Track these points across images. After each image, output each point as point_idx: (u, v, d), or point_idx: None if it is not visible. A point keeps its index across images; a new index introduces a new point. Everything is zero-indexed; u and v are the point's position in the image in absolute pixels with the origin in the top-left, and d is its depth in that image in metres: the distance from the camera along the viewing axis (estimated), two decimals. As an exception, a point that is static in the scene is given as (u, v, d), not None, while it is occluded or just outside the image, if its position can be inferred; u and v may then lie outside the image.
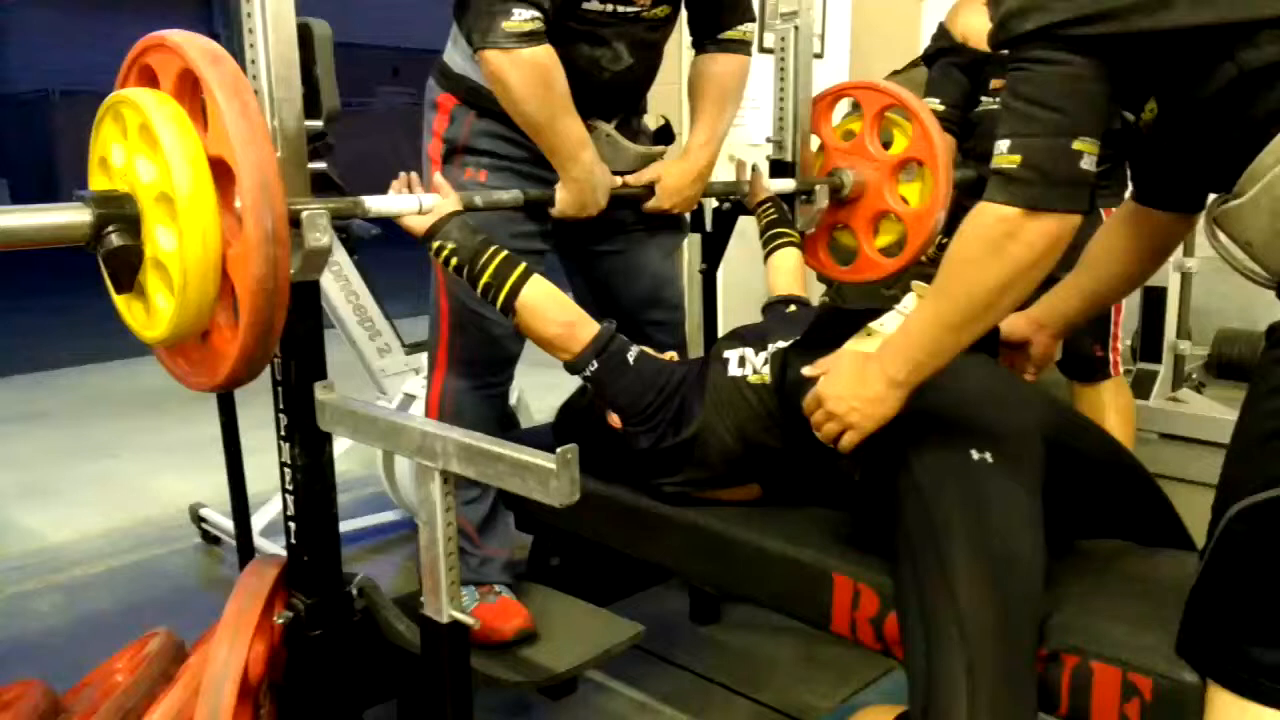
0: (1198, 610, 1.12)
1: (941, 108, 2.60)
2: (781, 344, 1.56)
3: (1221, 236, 1.11)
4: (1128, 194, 1.48)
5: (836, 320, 1.54)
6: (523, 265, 1.60)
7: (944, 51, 2.68)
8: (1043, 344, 1.61)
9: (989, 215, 1.15)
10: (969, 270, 1.19)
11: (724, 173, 2.90)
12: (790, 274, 1.97)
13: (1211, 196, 1.17)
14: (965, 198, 2.51)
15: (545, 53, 1.68)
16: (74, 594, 2.85)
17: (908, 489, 1.31)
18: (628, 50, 1.82)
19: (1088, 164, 1.11)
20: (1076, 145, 1.10)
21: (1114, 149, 1.44)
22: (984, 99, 2.60)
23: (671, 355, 1.71)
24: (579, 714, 2.12)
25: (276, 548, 2.47)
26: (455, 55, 1.87)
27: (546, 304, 1.59)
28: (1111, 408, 2.50)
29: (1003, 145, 1.14)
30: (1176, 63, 1.11)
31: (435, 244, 1.61)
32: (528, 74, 1.67)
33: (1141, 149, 1.40)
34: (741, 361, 1.60)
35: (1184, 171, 1.34)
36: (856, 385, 1.32)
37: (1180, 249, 3.19)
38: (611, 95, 1.88)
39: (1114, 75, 1.11)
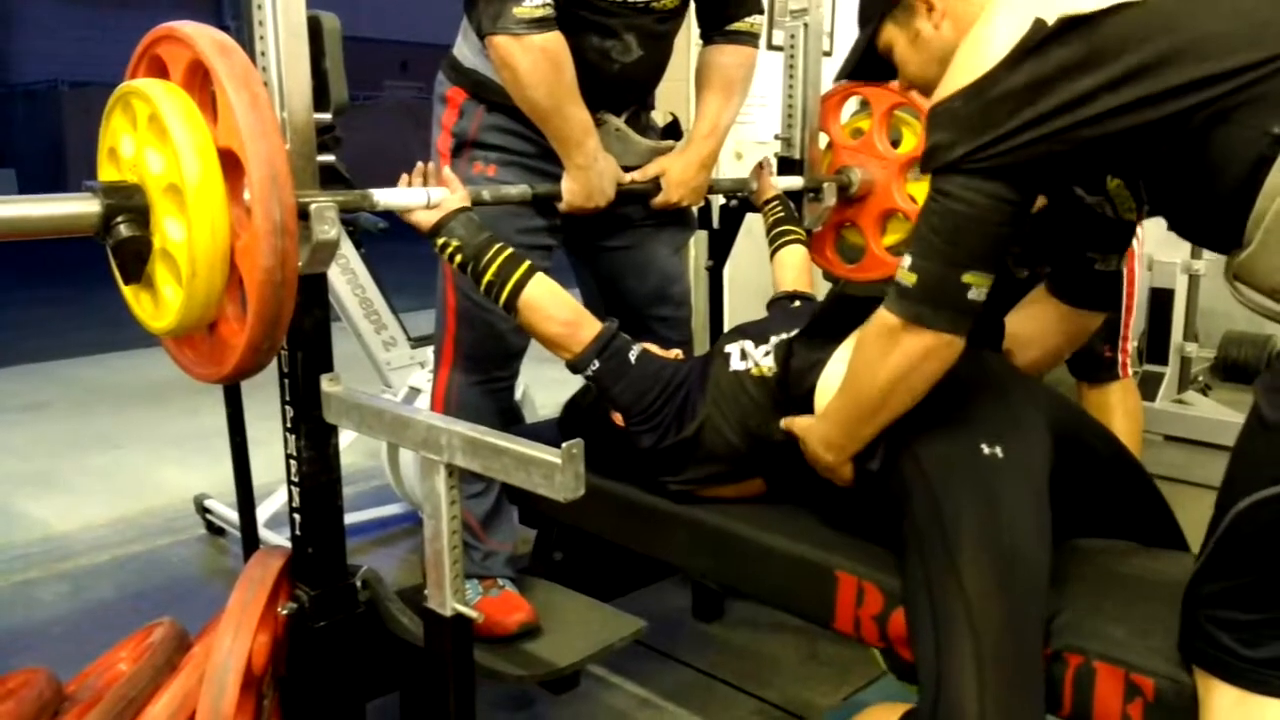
0: (1197, 602, 1.12)
1: None
2: (785, 335, 1.56)
3: (1246, 291, 1.12)
4: (1041, 288, 1.58)
5: (843, 309, 1.54)
6: (526, 263, 1.60)
7: None
8: None
9: (882, 322, 1.26)
10: (863, 369, 1.31)
11: (731, 170, 2.90)
12: (796, 270, 1.96)
13: (1216, 257, 1.21)
14: None
15: (555, 39, 1.68)
16: (78, 583, 2.86)
17: (917, 482, 1.31)
18: (637, 42, 1.83)
19: (975, 295, 1.20)
20: (966, 278, 1.19)
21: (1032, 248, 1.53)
22: None
23: (677, 353, 1.71)
24: (581, 709, 2.12)
25: (281, 539, 2.48)
26: (465, 49, 1.87)
27: (549, 303, 1.59)
28: (1119, 409, 2.48)
29: (905, 261, 1.23)
30: (1116, 144, 1.14)
31: (440, 240, 1.61)
32: (537, 59, 1.68)
33: (1071, 244, 1.49)
34: (743, 355, 1.60)
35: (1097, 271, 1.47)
36: (814, 453, 1.46)
37: (1188, 251, 3.19)
38: (621, 88, 1.88)
39: (1026, 199, 1.19)
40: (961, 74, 1.16)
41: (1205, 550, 1.10)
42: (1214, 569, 1.09)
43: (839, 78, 1.62)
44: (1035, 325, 1.58)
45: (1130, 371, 2.52)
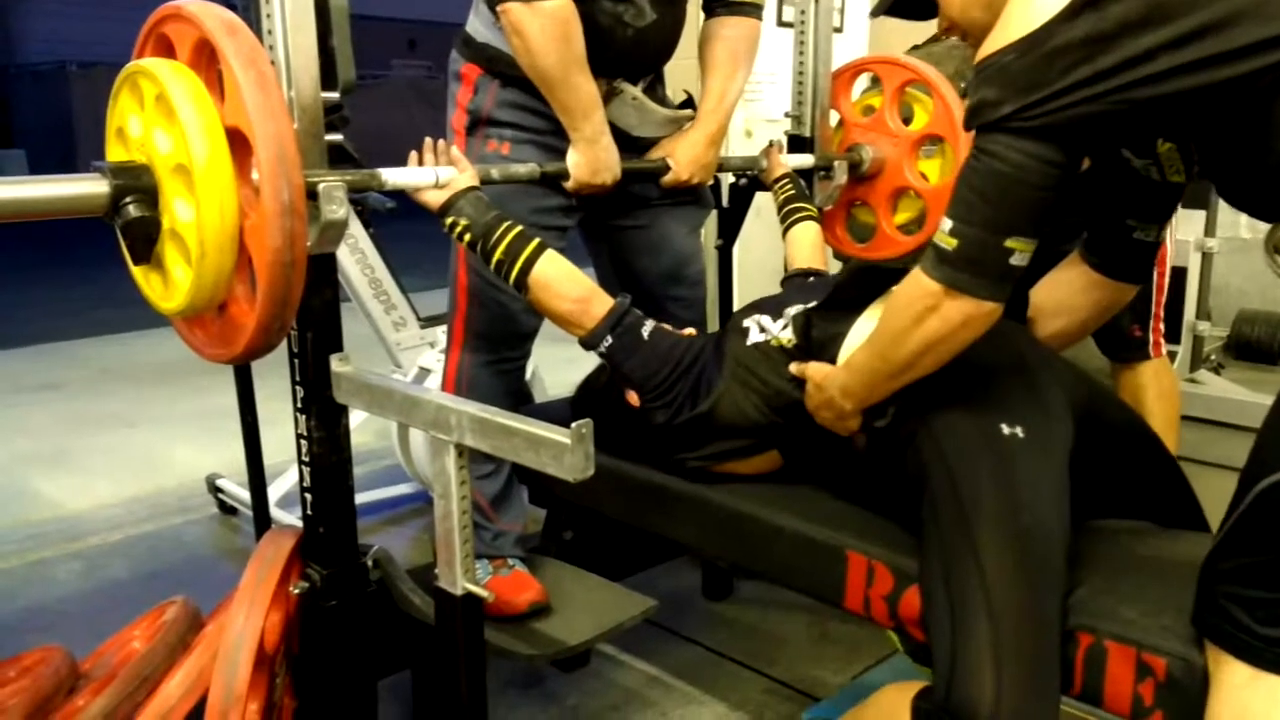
0: (1213, 578, 1.11)
1: None
2: (801, 307, 1.56)
3: None
4: (1072, 256, 1.55)
5: (862, 280, 1.53)
6: (536, 241, 1.59)
7: None
8: None
9: (918, 285, 1.23)
10: (894, 331, 1.28)
11: (741, 148, 2.88)
12: (809, 247, 1.95)
13: (1262, 226, 1.19)
14: None
15: (565, 6, 1.67)
16: (92, 562, 2.88)
17: (935, 463, 1.31)
18: (650, 6, 1.81)
19: (1017, 260, 1.17)
20: (1008, 243, 1.16)
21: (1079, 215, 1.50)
22: None
23: (690, 332, 1.71)
24: (591, 686, 2.13)
25: (292, 519, 2.49)
26: (478, 24, 1.86)
27: (560, 280, 1.59)
28: (1152, 389, 2.39)
29: (945, 225, 1.20)
30: (1173, 106, 1.10)
31: (449, 219, 1.60)
32: (547, 25, 1.67)
33: (1112, 211, 1.45)
34: (761, 329, 1.59)
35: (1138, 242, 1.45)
36: (823, 405, 1.47)
37: (1202, 228, 3.16)
38: (636, 55, 1.86)
39: (1073, 162, 1.15)
40: (1013, 26, 1.11)
41: (1226, 526, 1.09)
42: (1234, 545, 1.08)
43: (874, 13, 1.58)
44: (1064, 294, 1.55)
45: (1164, 351, 2.47)
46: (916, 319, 1.24)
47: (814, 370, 1.48)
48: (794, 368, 1.52)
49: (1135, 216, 1.44)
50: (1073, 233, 1.60)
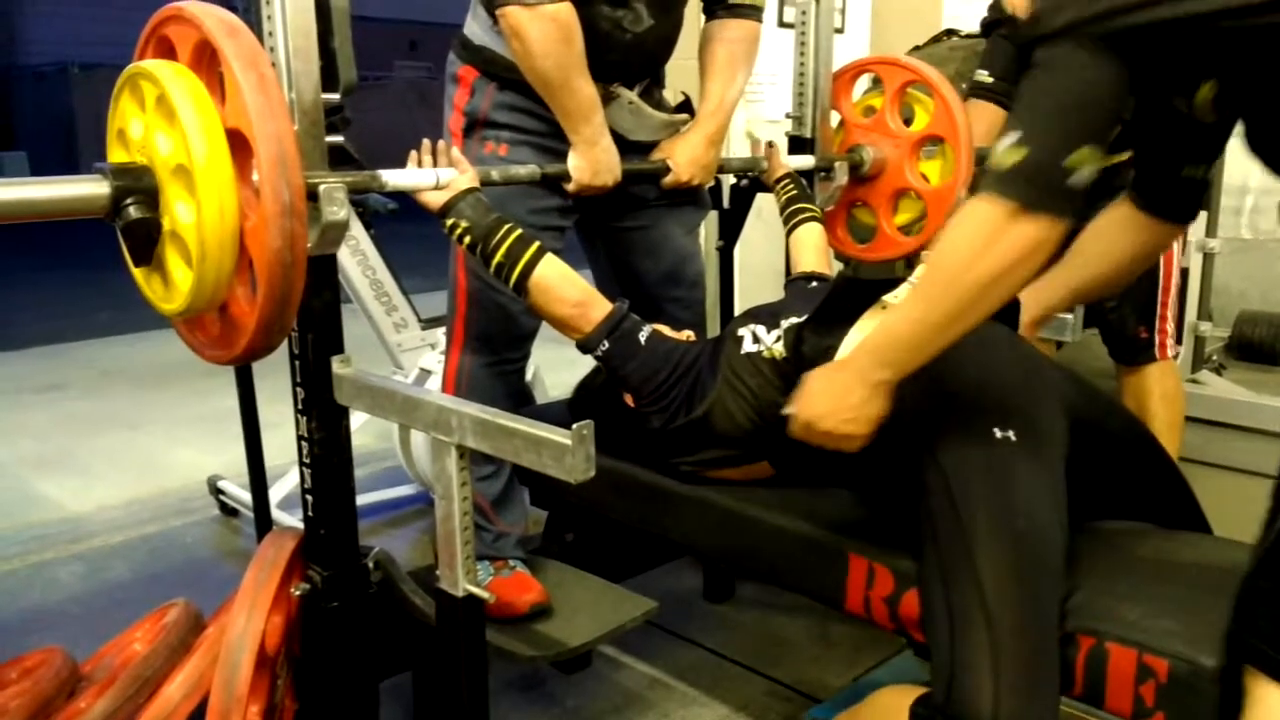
0: (1254, 598, 1.08)
1: (990, 80, 2.50)
2: (795, 320, 1.56)
3: None
4: (1123, 199, 1.47)
5: (851, 293, 1.53)
6: (536, 244, 1.60)
7: (996, 23, 2.61)
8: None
9: (979, 212, 1.13)
10: (955, 266, 1.17)
11: (741, 149, 2.89)
12: (814, 250, 1.95)
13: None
14: None
15: (565, 9, 1.68)
16: (93, 564, 2.88)
17: (930, 468, 1.30)
18: (648, 11, 1.81)
19: (1086, 175, 1.10)
20: (1079, 155, 1.09)
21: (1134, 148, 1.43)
22: None
23: (689, 334, 1.71)
24: (592, 688, 2.13)
25: (294, 520, 2.49)
26: (475, 27, 1.86)
27: (559, 284, 1.59)
28: (1156, 392, 2.38)
29: (1007, 141, 1.12)
30: (1233, 39, 1.07)
31: (449, 221, 1.60)
32: (548, 29, 1.67)
33: (1159, 149, 1.39)
34: (755, 339, 1.59)
35: (1190, 179, 1.36)
36: (836, 399, 1.30)
37: (1203, 229, 3.16)
38: (633, 59, 1.87)
39: (1137, 81, 1.09)
40: None
41: (1264, 544, 1.06)
42: (1274, 564, 1.05)
43: None
44: (1109, 237, 1.49)
45: (1170, 353, 2.46)
46: (981, 248, 1.13)
47: (809, 379, 1.37)
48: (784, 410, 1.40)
49: (1184, 156, 1.37)
50: (1103, 192, 1.57)
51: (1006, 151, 1.11)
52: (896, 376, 1.26)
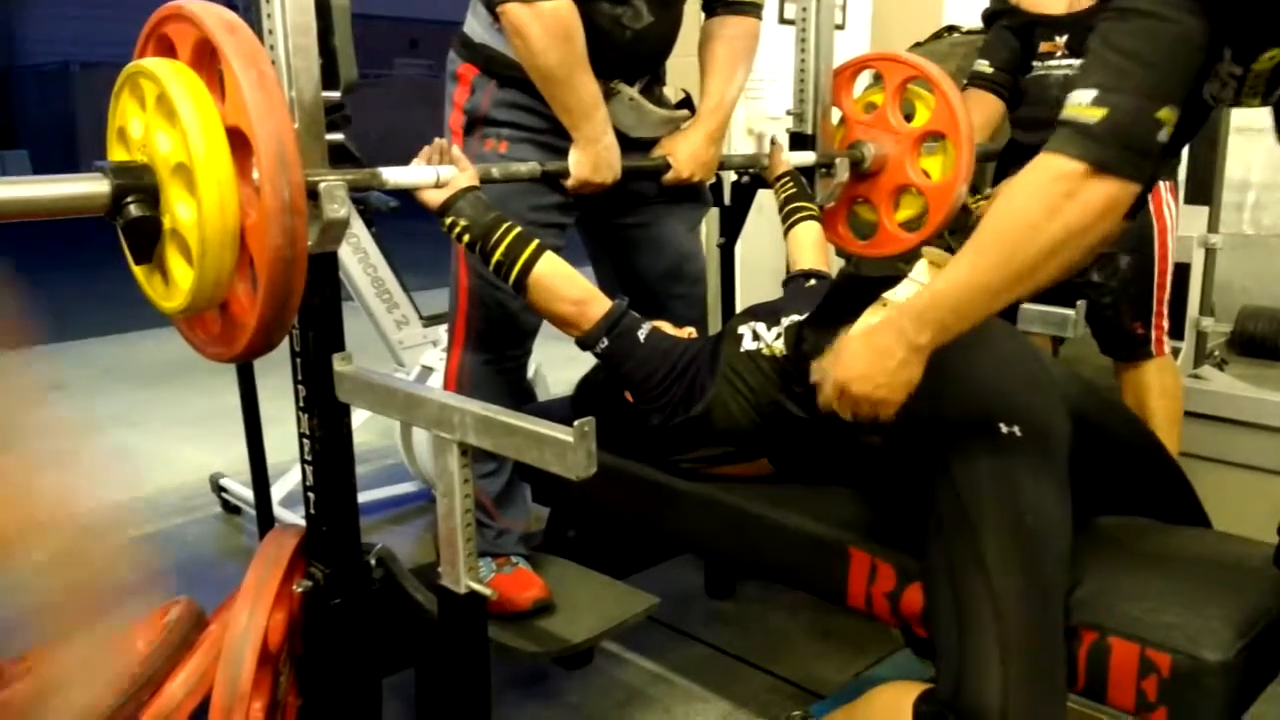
0: None
1: (990, 70, 2.52)
2: (795, 318, 1.56)
3: None
4: None
5: (851, 291, 1.53)
6: (535, 243, 1.60)
7: (998, 14, 2.60)
8: None
9: (1050, 170, 1.07)
10: (1017, 228, 1.10)
11: (742, 146, 2.88)
12: (811, 248, 1.95)
13: None
14: (1012, 166, 2.47)
15: (566, 6, 1.67)
16: (96, 562, 2.88)
17: (936, 465, 1.30)
18: (648, 8, 1.81)
19: (1165, 135, 1.04)
20: (1162, 113, 1.03)
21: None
22: (1034, 64, 2.49)
23: (690, 331, 1.71)
24: (594, 684, 2.13)
25: (296, 517, 2.49)
26: (475, 25, 1.86)
27: (558, 281, 1.59)
28: (1155, 388, 2.38)
29: (1085, 96, 1.05)
30: None
31: (448, 220, 1.60)
32: (549, 26, 1.67)
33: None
34: (754, 336, 1.59)
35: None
36: (874, 361, 1.23)
37: (1204, 225, 3.15)
38: (633, 56, 1.86)
39: (1218, 38, 1.03)
40: None
41: None
42: None
43: None
44: None
45: (1166, 349, 2.46)
46: (1050, 210, 1.06)
47: (844, 340, 1.30)
48: (813, 378, 1.34)
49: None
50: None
51: (1084, 109, 1.05)
52: (938, 341, 1.20)
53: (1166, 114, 1.03)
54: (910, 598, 1.38)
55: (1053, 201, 1.07)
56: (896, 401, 1.24)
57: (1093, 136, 1.05)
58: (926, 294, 1.21)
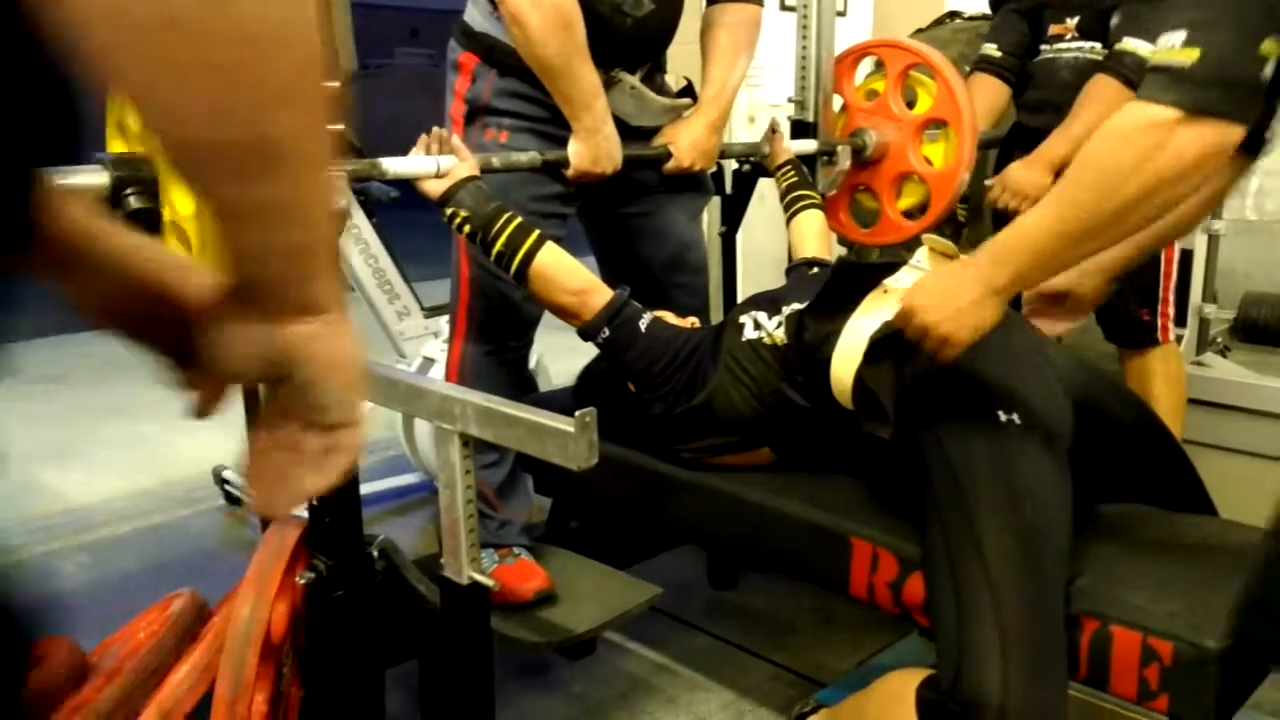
0: None
1: (998, 54, 2.49)
2: (796, 306, 1.56)
3: None
4: None
5: (851, 278, 1.53)
6: (536, 233, 1.59)
7: None
8: (1083, 295, 1.52)
9: (1142, 117, 1.03)
10: (1105, 176, 1.06)
11: (743, 134, 2.87)
12: (814, 236, 1.95)
13: None
14: (1015, 151, 2.46)
15: None
16: (99, 554, 2.89)
17: (934, 452, 1.30)
18: None
19: (1269, 71, 0.98)
20: (1264, 47, 0.97)
21: None
22: (1042, 48, 2.46)
23: (693, 321, 1.71)
24: (597, 674, 2.13)
25: (298, 509, 2.49)
26: (475, 13, 1.85)
27: (559, 272, 1.59)
28: (1160, 376, 2.38)
29: (1175, 38, 1.00)
30: None
31: (448, 210, 1.60)
32: (549, 15, 1.66)
33: None
34: (756, 325, 1.59)
35: None
36: (947, 294, 1.22)
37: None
38: (634, 44, 1.86)
39: None
40: None
41: None
42: None
43: None
44: None
45: (1172, 336, 2.45)
46: (1140, 158, 1.02)
47: (931, 272, 1.27)
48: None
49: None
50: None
51: (1175, 52, 0.99)
52: (1015, 287, 1.18)
53: (1270, 46, 0.96)
54: (912, 587, 1.38)
55: (1144, 150, 1.03)
56: (962, 342, 1.22)
57: (1188, 79, 0.99)
58: (1007, 238, 1.18)
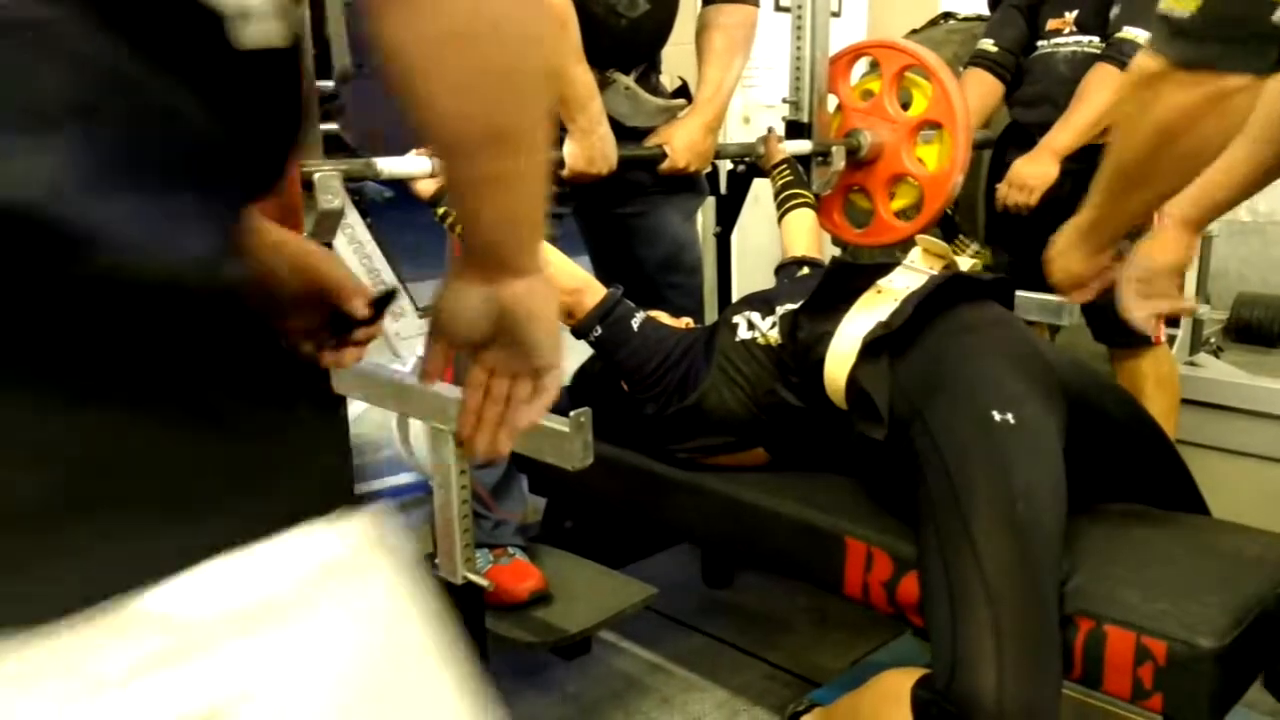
0: None
1: (995, 50, 2.48)
2: (790, 306, 1.56)
3: None
4: None
5: (845, 277, 1.53)
6: None
7: None
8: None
9: (1137, 67, 1.02)
10: (1121, 133, 1.07)
11: (738, 134, 2.88)
12: (805, 235, 1.95)
13: None
14: (1010, 150, 2.46)
15: None
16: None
17: (929, 451, 1.30)
18: None
19: None
20: None
21: None
22: (1039, 43, 2.45)
23: (687, 321, 1.71)
24: (592, 674, 2.13)
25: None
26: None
27: (553, 272, 1.59)
28: (1151, 377, 2.38)
29: None
30: None
31: (440, 209, 1.60)
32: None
33: None
34: (749, 325, 1.59)
35: None
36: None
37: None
38: (629, 45, 1.86)
39: None
40: None
41: None
42: None
43: None
44: None
45: (1164, 336, 2.45)
46: (1138, 110, 1.02)
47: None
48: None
49: None
50: None
51: (1175, 1, 0.95)
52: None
53: None
54: (907, 587, 1.38)
55: (1140, 102, 1.03)
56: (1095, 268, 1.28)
57: (1183, 34, 0.96)
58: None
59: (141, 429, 0.42)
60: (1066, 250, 1.28)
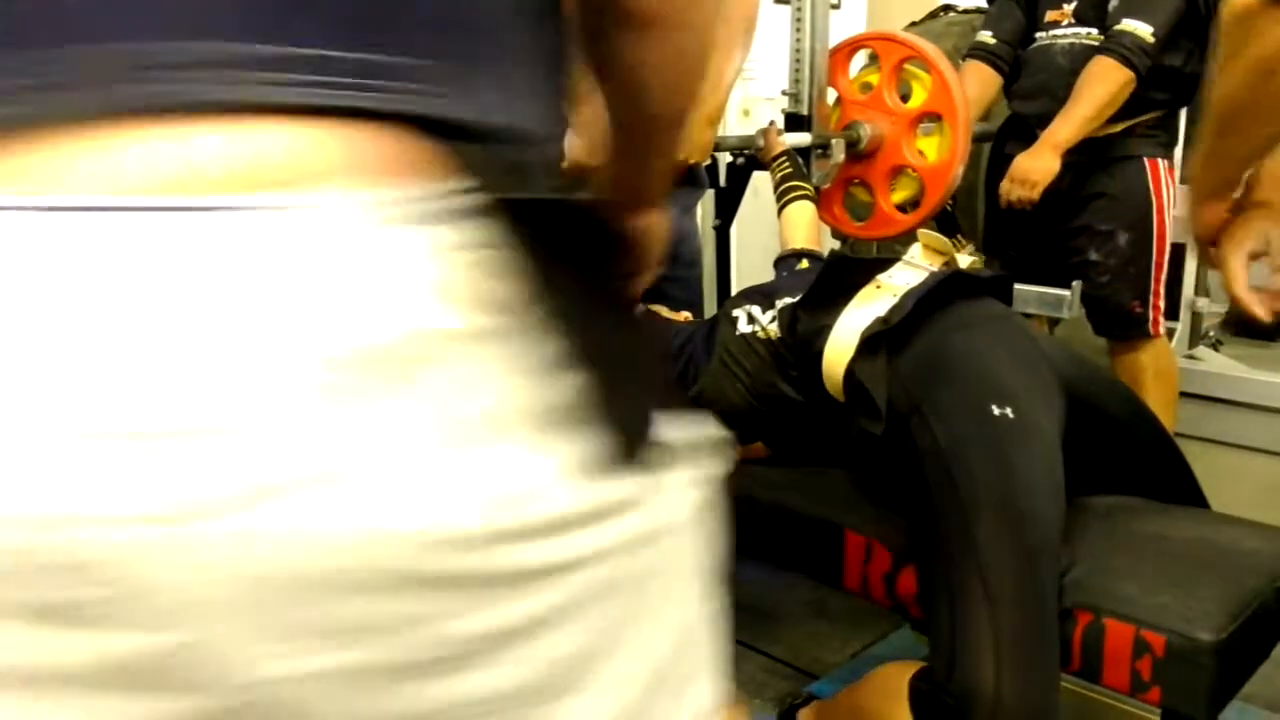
0: None
1: (993, 42, 2.48)
2: (789, 299, 1.56)
3: None
4: None
5: (844, 271, 1.53)
6: None
7: None
8: None
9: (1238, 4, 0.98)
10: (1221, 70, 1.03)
11: (738, 127, 2.87)
12: (804, 228, 1.95)
13: None
14: (1009, 142, 2.46)
15: None
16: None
17: (927, 446, 1.30)
18: None
19: None
20: None
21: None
22: (1038, 35, 2.45)
23: (685, 315, 1.71)
24: (591, 667, 2.13)
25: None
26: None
27: None
28: (1150, 370, 2.38)
29: None
30: None
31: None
32: None
33: None
34: (750, 319, 1.59)
35: None
36: None
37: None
38: None
39: None
40: None
41: None
42: None
43: None
44: None
45: (1162, 328, 2.45)
46: (1233, 50, 0.98)
47: None
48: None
49: None
50: None
51: None
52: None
53: None
54: (906, 579, 1.38)
55: (1234, 43, 0.97)
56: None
57: None
58: None
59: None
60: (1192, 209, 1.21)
